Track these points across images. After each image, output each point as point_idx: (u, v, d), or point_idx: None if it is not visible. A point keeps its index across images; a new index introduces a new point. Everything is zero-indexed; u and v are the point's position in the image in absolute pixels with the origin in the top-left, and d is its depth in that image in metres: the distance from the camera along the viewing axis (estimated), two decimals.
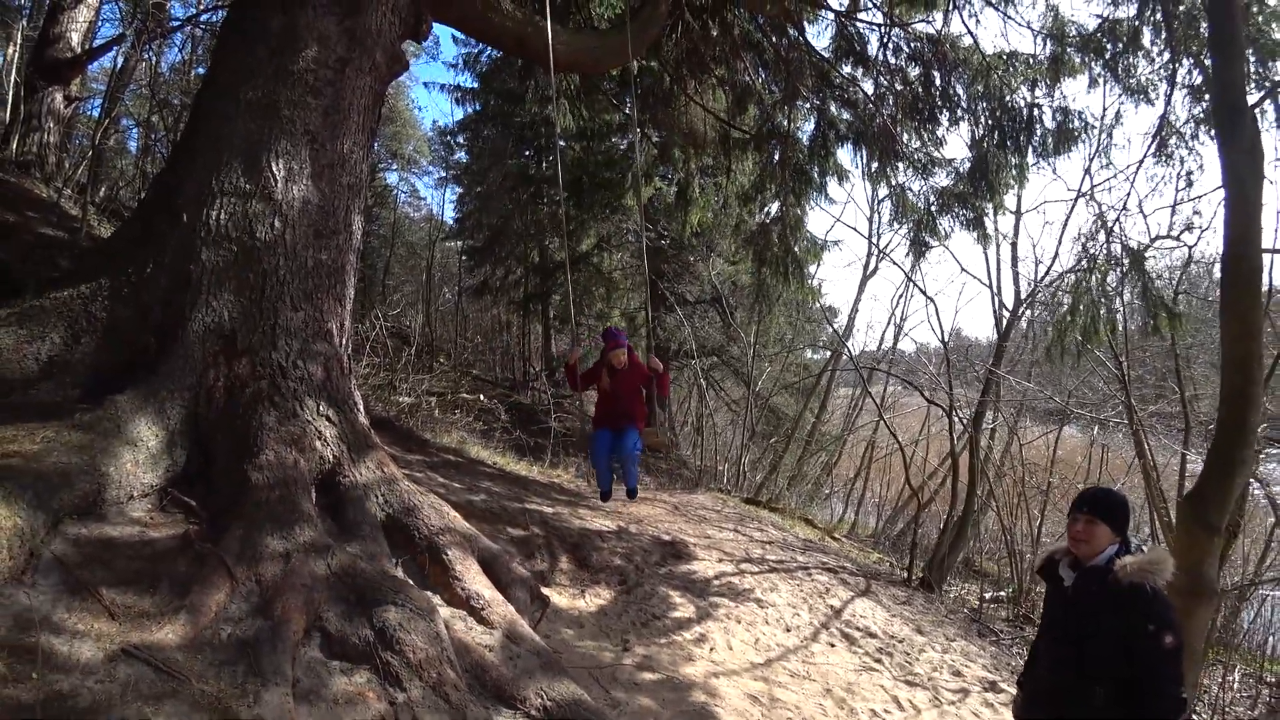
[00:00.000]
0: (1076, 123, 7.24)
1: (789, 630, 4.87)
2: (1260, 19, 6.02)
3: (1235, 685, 6.53)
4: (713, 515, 7.32)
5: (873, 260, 16.47)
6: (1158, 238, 7.45)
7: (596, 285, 15.16)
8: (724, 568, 5.57)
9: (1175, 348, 8.43)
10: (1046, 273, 11.10)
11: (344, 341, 4.10)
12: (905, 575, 7.60)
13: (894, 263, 16.29)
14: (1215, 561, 4.08)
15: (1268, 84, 6.11)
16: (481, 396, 10.08)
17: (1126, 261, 6.96)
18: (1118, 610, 2.33)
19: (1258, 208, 4.02)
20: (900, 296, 19.45)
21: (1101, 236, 7.18)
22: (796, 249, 8.65)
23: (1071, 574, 2.54)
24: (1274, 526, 7.93)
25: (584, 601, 4.47)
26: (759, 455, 14.71)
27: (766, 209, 9.00)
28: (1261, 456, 8.24)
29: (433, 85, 27.57)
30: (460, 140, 20.16)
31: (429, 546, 3.41)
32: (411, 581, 3.14)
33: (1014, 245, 14.06)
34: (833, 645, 4.85)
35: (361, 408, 4.07)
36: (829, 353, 16.70)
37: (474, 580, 3.29)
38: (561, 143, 12.78)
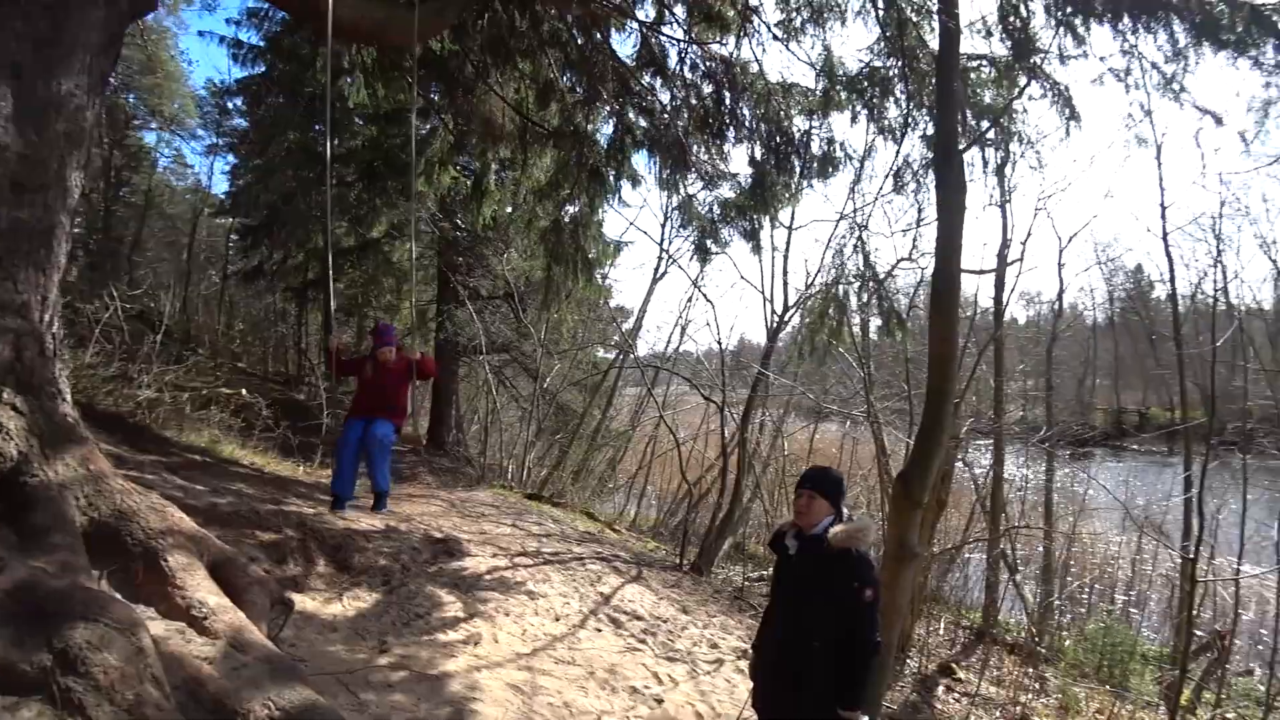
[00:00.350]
0: (840, 152, 8.12)
1: (558, 619, 4.98)
2: (974, 82, 7.20)
3: (941, 631, 7.88)
4: (491, 511, 7.27)
5: (663, 264, 17.31)
6: (900, 260, 8.69)
7: (385, 275, 14.31)
8: (497, 562, 5.56)
9: (905, 352, 9.87)
10: (811, 283, 12.44)
11: (47, 318, 3.49)
12: (677, 561, 8.08)
13: (680, 268, 17.23)
14: (917, 530, 4.81)
15: (975, 134, 7.37)
16: (243, 391, 9.10)
17: (869, 276, 8.02)
18: (831, 573, 2.71)
19: (959, 234, 4.82)
20: (687, 300, 20.65)
21: (848, 251, 8.19)
22: (589, 249, 8.87)
23: (795, 543, 2.91)
24: (975, 502, 9.70)
25: (341, 605, 4.22)
26: (545, 451, 14.78)
27: (563, 207, 9.11)
28: (970, 446, 10.00)
29: (210, 36, 24.06)
30: (239, 104, 18.03)
31: (145, 552, 3.01)
32: (118, 594, 2.76)
33: (785, 258, 15.40)
34: (599, 630, 5.04)
35: (68, 396, 3.50)
36: (618, 352, 17.24)
37: (198, 588, 2.96)
38: (359, 121, 12.00)
